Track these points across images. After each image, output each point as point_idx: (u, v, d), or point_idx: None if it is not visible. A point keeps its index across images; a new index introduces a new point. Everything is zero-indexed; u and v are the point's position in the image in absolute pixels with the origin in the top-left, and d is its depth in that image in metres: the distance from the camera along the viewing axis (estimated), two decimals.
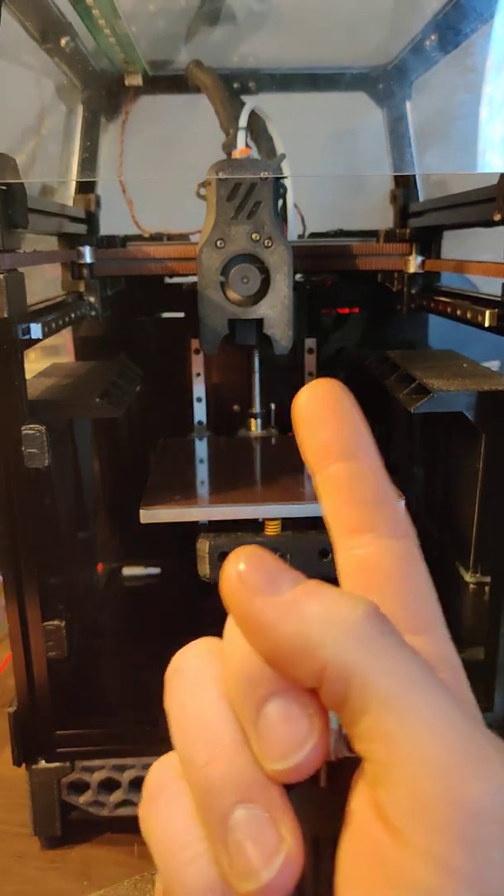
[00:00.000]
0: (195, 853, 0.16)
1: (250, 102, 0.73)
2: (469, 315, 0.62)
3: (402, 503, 0.19)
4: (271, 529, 0.62)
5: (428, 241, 0.79)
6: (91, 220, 0.81)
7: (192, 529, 0.66)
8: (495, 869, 0.13)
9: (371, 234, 0.84)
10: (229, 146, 0.70)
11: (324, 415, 0.19)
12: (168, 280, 0.84)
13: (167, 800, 0.17)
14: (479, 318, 0.59)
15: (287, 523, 0.63)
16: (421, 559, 0.19)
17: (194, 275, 0.71)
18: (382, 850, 0.14)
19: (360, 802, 0.15)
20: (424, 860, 0.13)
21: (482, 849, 0.13)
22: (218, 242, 0.66)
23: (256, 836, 0.15)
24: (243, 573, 0.16)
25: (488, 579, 0.64)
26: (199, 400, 0.86)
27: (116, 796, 0.61)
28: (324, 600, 0.16)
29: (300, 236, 0.82)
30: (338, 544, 0.19)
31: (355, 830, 0.15)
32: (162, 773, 0.18)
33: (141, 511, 0.61)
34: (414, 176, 0.86)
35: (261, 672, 0.16)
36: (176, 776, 0.17)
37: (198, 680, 0.18)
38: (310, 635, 0.15)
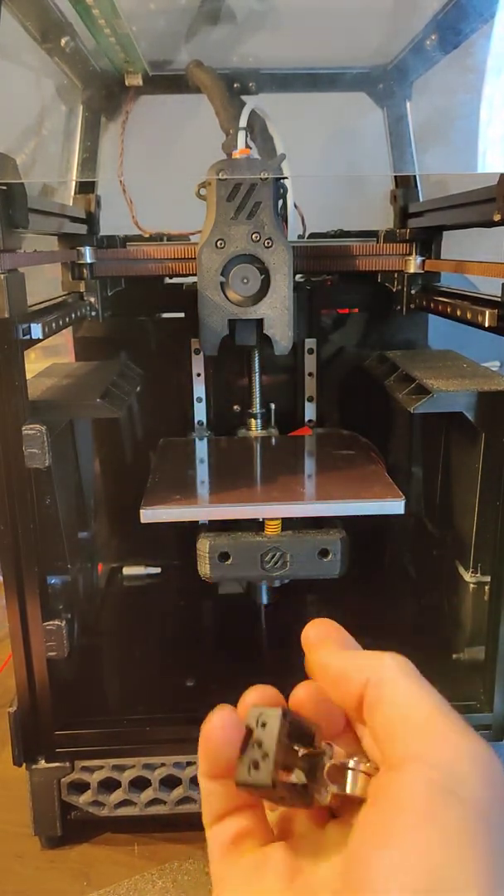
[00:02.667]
0: None
1: (250, 102, 0.73)
2: (469, 315, 0.62)
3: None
4: (271, 529, 0.62)
5: (428, 242, 0.79)
6: (91, 220, 0.81)
7: (192, 529, 0.66)
8: (445, 772, 0.20)
9: (371, 234, 0.84)
10: (229, 146, 0.70)
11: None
12: (168, 280, 0.84)
13: None
14: (479, 318, 0.59)
15: (287, 523, 0.63)
16: None
17: (194, 275, 0.71)
18: (381, 790, 0.21)
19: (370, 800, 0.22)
20: (410, 777, 0.20)
21: (436, 765, 0.20)
22: (218, 243, 0.66)
23: None
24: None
25: (488, 579, 0.64)
26: (200, 400, 0.86)
27: (116, 796, 0.61)
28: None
29: (300, 236, 0.82)
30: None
31: (369, 807, 0.21)
32: None
33: (141, 511, 0.61)
34: (414, 176, 0.86)
35: None
36: None
37: None
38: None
